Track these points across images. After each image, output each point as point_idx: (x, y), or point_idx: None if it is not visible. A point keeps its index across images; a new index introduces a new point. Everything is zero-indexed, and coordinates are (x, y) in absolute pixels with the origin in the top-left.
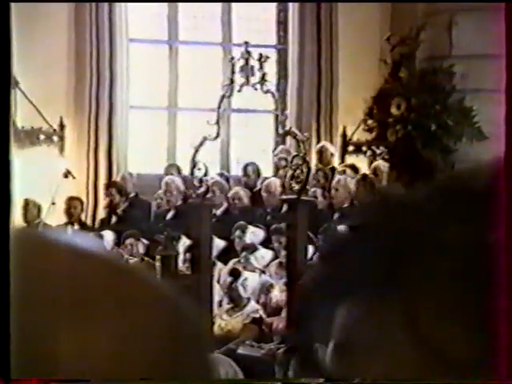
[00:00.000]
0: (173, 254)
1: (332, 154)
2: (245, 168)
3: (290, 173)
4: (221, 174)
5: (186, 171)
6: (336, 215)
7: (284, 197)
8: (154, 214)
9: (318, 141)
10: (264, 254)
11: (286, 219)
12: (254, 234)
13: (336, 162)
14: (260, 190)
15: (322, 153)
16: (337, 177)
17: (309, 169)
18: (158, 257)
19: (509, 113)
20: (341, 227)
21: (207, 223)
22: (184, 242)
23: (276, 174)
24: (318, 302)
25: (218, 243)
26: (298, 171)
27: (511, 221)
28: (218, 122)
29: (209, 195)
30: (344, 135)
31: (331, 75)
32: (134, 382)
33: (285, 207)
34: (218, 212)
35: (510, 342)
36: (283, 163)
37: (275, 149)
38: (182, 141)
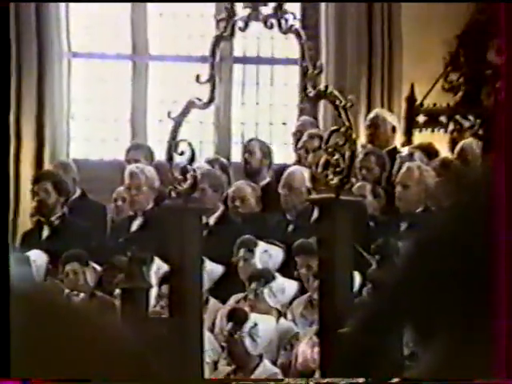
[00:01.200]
0: (141, 287)
1: (393, 129)
2: (249, 149)
3: (323, 158)
4: (214, 161)
5: (160, 156)
6: (401, 225)
7: (314, 196)
8: (112, 224)
9: (370, 108)
10: (284, 287)
11: (317, 231)
12: (269, 255)
13: (399, 140)
14: (276, 185)
15: (375, 126)
16: (401, 163)
17: (354, 152)
18: (117, 291)
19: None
20: (408, 244)
21: (195, 238)
22: (158, 268)
23: (301, 161)
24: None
25: (213, 269)
26: (337, 156)
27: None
28: (211, 79)
29: (196, 194)
30: (411, 98)
31: (389, 4)
32: (134, 382)
33: (316, 212)
34: (212, 220)
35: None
36: (314, 143)
37: (301, 121)
38: (156, 108)
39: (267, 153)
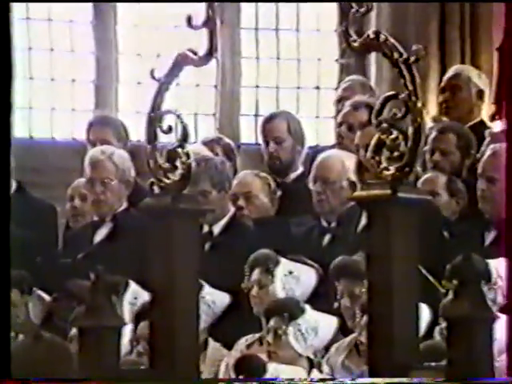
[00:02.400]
0: (110, 325)
1: (480, 94)
2: (274, 134)
3: (375, 138)
4: (216, 143)
5: (138, 135)
6: (487, 236)
7: (361, 193)
8: (66, 233)
9: (444, 64)
10: (317, 325)
11: (366, 244)
12: (295, 279)
13: (488, 111)
14: (304, 177)
15: (453, 91)
16: (488, 145)
17: (420, 129)
18: (73, 331)
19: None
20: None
21: (190, 253)
22: (135, 297)
23: (342, 142)
24: None
25: (215, 299)
26: (395, 134)
27: None
28: (209, 22)
29: (189, 189)
30: (506, 49)
31: None
32: (134, 382)
33: (364, 217)
34: (217, 229)
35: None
36: (361, 116)
37: (341, 84)
38: (131, 65)
39: (300, 134)
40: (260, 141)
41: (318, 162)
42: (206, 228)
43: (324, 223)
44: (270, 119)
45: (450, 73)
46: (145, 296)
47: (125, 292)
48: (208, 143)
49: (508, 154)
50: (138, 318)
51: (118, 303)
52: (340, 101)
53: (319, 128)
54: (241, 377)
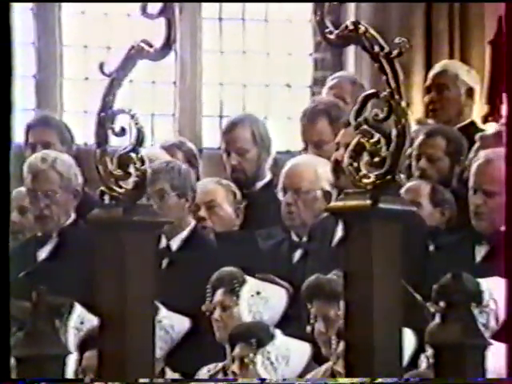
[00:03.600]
0: (52, 354)
1: (469, 92)
2: (236, 143)
3: (353, 142)
4: (176, 147)
5: (85, 137)
6: (478, 251)
7: (337, 203)
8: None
9: (430, 59)
10: (289, 353)
11: (343, 261)
12: (263, 300)
13: (479, 111)
14: (272, 185)
15: (440, 89)
16: (479, 151)
17: (404, 131)
18: (12, 361)
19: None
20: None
21: (145, 272)
22: (81, 322)
23: (317, 146)
24: None
25: (173, 323)
26: (377, 137)
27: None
28: (167, 11)
29: (144, 200)
30: (499, 42)
31: None
32: (134, 382)
33: (340, 230)
34: (175, 243)
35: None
36: (336, 111)
37: (328, 82)
38: (76, 56)
39: (267, 141)
40: (221, 151)
41: (288, 169)
42: (163, 242)
43: (294, 237)
44: (231, 127)
45: (436, 69)
46: (93, 320)
47: (70, 316)
48: (168, 148)
49: (508, 161)
50: (84, 345)
51: (62, 328)
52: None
53: (291, 131)
54: None
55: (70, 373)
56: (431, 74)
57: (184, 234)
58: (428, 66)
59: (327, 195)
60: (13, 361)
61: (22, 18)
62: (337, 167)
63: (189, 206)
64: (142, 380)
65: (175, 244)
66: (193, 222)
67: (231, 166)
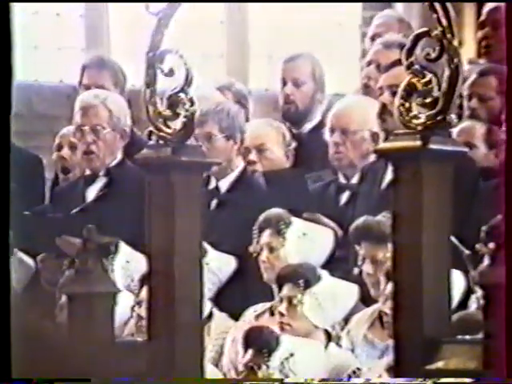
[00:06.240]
0: (103, 292)
1: None
2: (292, 75)
3: (404, 83)
4: (225, 88)
5: (135, 78)
6: None
7: (386, 145)
8: (54, 188)
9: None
10: (336, 293)
11: (392, 203)
12: (310, 241)
13: None
14: (322, 128)
15: (496, 25)
16: None
17: (457, 71)
18: (62, 299)
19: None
20: None
21: (193, 212)
22: (127, 260)
23: (368, 85)
24: None
25: (221, 264)
26: (429, 77)
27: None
28: None
29: (193, 141)
30: None
31: None
32: (134, 382)
33: (389, 172)
34: (224, 184)
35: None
36: (391, 56)
37: (374, 20)
38: None
39: (323, 82)
40: (276, 82)
41: (337, 109)
42: (212, 183)
43: (342, 179)
44: (292, 58)
45: (491, 4)
46: (139, 259)
47: (116, 255)
48: (217, 89)
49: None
50: (140, 284)
51: (109, 267)
52: (373, 38)
53: (344, 73)
54: (250, 351)
55: (121, 310)
56: (486, 9)
57: (233, 175)
58: (479, 3)
59: (375, 136)
60: (63, 298)
61: None
62: (383, 111)
63: (237, 148)
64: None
65: (224, 185)
66: (242, 164)
67: (284, 96)
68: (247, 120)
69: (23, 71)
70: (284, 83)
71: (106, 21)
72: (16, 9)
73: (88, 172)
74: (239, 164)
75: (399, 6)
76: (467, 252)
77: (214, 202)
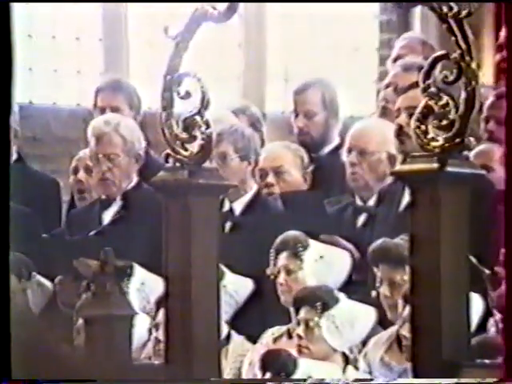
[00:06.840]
0: (121, 315)
1: None
2: (305, 107)
3: (421, 105)
4: (241, 111)
5: (151, 101)
6: None
7: (403, 167)
8: (71, 211)
9: (500, 20)
10: (353, 316)
11: (410, 225)
12: (327, 264)
13: None
14: (339, 148)
15: None
16: None
17: (474, 94)
18: (78, 322)
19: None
20: None
21: (209, 235)
22: (142, 282)
23: (386, 107)
24: None
25: (237, 287)
26: (445, 99)
27: None
28: None
29: (209, 163)
30: None
31: None
32: (135, 382)
33: (406, 194)
34: (238, 206)
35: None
36: (409, 78)
37: (397, 42)
38: (143, 21)
39: (335, 106)
40: (289, 112)
41: (354, 130)
42: (226, 205)
43: (359, 201)
44: (302, 89)
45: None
46: (154, 282)
47: (131, 277)
48: (233, 112)
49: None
50: (155, 307)
51: (126, 290)
52: (396, 60)
53: (358, 95)
54: (267, 374)
55: (138, 333)
56: (504, 32)
57: (247, 197)
58: (498, 25)
59: (392, 159)
60: (80, 321)
61: None
62: (400, 132)
63: (251, 170)
64: None
65: (238, 207)
66: (255, 186)
67: (298, 128)
68: (262, 143)
69: (42, 95)
70: (296, 114)
71: (126, 45)
72: (36, 33)
73: (103, 196)
74: (253, 186)
75: (416, 28)
76: (487, 272)
77: (228, 225)
